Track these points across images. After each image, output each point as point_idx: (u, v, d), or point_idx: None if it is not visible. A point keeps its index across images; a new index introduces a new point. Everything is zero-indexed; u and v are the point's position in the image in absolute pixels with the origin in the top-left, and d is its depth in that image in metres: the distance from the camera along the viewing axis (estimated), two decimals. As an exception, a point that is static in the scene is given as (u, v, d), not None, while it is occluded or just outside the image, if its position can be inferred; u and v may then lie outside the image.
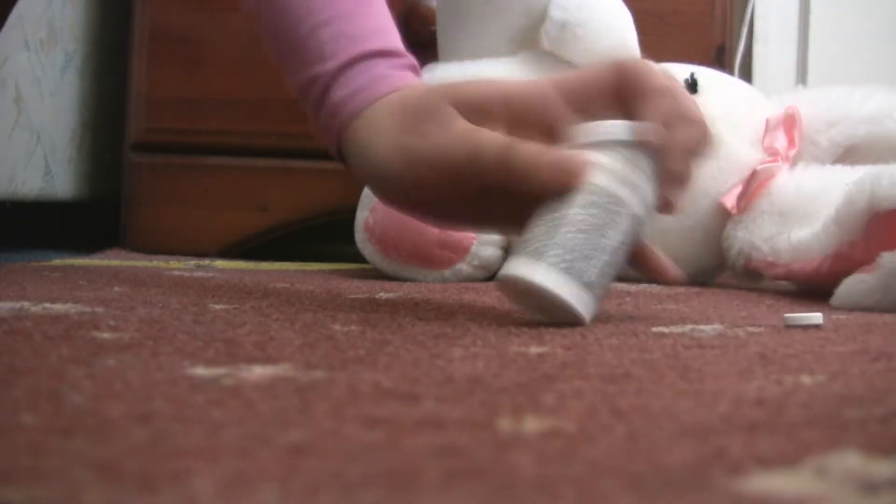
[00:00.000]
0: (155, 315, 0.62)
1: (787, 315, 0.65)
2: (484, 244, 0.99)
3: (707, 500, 0.27)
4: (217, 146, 1.32)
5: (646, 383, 0.44)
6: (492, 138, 0.61)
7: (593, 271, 0.60)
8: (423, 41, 1.25)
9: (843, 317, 0.72)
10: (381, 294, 0.82)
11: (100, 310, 0.63)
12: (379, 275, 1.01)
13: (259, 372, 0.44)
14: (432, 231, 0.97)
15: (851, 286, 0.79)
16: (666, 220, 1.02)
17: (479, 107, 0.63)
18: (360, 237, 1.01)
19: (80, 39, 1.40)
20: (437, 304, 0.75)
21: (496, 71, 1.11)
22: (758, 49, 1.61)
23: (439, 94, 0.64)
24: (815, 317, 0.65)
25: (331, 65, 0.66)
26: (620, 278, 1.04)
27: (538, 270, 0.59)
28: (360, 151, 0.65)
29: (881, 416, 0.38)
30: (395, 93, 0.65)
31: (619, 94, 0.63)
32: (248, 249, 1.32)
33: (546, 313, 0.61)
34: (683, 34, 1.28)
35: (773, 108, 1.05)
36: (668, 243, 1.03)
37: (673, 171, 0.62)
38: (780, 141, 1.00)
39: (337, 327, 0.59)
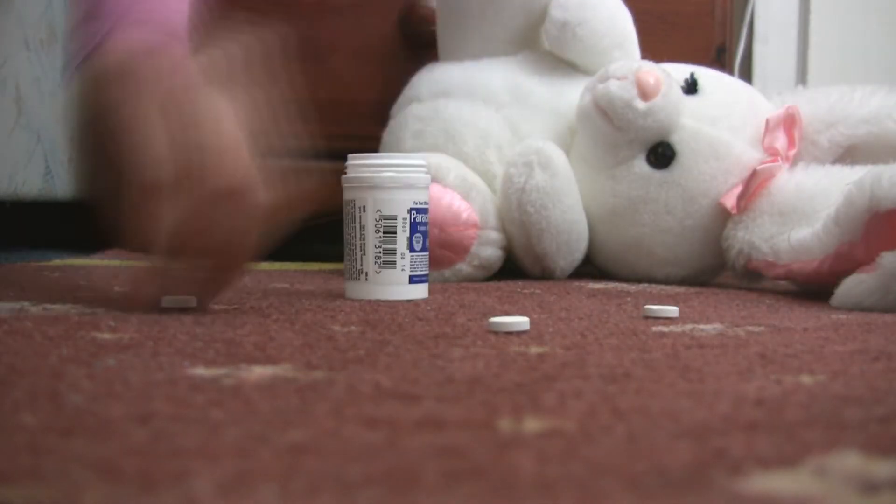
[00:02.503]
0: (155, 315, 0.62)
1: (646, 307, 0.70)
2: (484, 244, 0.99)
3: (707, 500, 0.27)
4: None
5: (646, 383, 0.44)
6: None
7: None
8: (423, 41, 1.25)
9: (843, 317, 0.72)
10: (381, 294, 0.82)
11: (100, 310, 0.63)
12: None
13: (259, 372, 0.44)
14: (432, 231, 0.97)
15: (851, 286, 0.79)
16: (666, 221, 1.03)
17: None
18: (360, 237, 1.01)
19: (80, 39, 1.40)
20: (437, 304, 0.75)
21: (496, 71, 1.11)
22: (758, 49, 1.61)
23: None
24: (671, 310, 0.69)
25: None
26: (622, 278, 1.05)
27: None
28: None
29: (881, 416, 0.38)
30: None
31: None
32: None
33: None
34: (683, 34, 1.28)
35: (773, 108, 1.05)
36: (669, 243, 1.03)
37: None
38: (780, 141, 1.00)
39: (337, 327, 0.59)
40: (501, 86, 1.10)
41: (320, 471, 0.29)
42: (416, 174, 0.76)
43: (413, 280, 0.74)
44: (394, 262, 0.74)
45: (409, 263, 0.74)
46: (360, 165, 0.76)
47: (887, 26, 1.64)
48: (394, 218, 0.73)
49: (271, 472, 0.28)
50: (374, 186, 0.74)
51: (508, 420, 0.36)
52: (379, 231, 0.74)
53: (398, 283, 0.74)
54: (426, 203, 0.76)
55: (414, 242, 0.73)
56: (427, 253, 0.76)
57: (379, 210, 0.74)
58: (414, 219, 0.73)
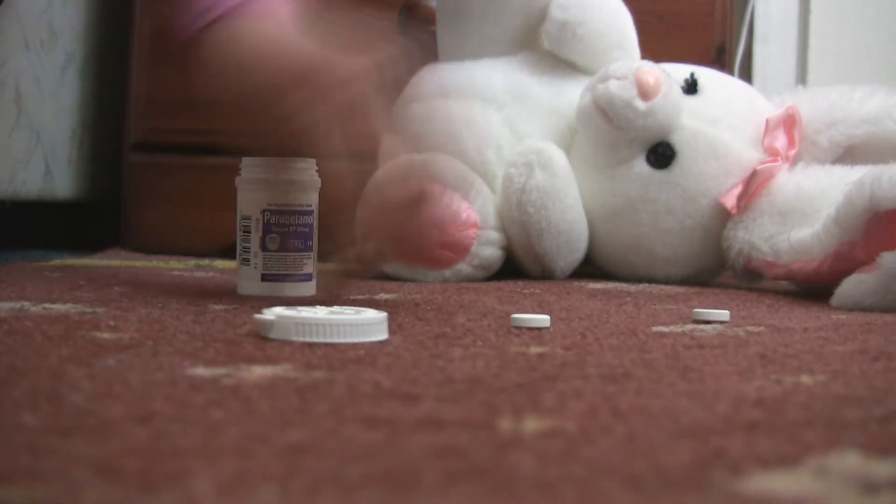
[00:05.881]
0: (155, 315, 0.62)
1: (695, 310, 0.69)
2: (484, 244, 0.99)
3: (707, 500, 0.27)
4: (217, 146, 1.32)
5: (646, 383, 0.44)
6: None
7: None
8: (423, 41, 1.25)
9: (843, 317, 0.72)
10: (381, 294, 0.82)
11: (100, 310, 0.63)
12: (379, 275, 1.01)
13: (259, 372, 0.44)
14: (432, 231, 0.97)
15: (851, 286, 0.79)
16: (666, 221, 1.03)
17: None
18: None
19: (80, 40, 1.40)
20: (437, 304, 0.75)
21: (496, 71, 1.11)
22: (758, 49, 1.61)
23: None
24: (722, 314, 0.68)
25: None
26: (622, 278, 1.05)
27: None
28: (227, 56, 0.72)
29: (881, 416, 0.38)
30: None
31: None
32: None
33: None
34: (683, 34, 1.28)
35: (773, 108, 1.05)
36: (669, 243, 1.03)
37: None
38: (780, 141, 1.00)
39: (337, 327, 0.59)
40: (501, 86, 1.10)
41: (320, 471, 0.29)
42: (272, 176, 0.76)
43: (266, 278, 0.75)
44: (248, 260, 0.76)
45: (261, 262, 0.76)
46: (243, 167, 0.79)
47: (887, 26, 1.64)
48: (248, 218, 0.76)
49: (271, 472, 0.28)
50: (237, 188, 0.77)
51: (508, 420, 0.36)
52: (239, 230, 0.77)
53: (251, 279, 0.76)
54: (288, 205, 0.76)
55: (268, 242, 0.75)
56: (296, 254, 0.76)
57: (240, 210, 0.77)
58: (267, 220, 0.75)
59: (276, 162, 0.77)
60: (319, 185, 0.79)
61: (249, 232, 0.76)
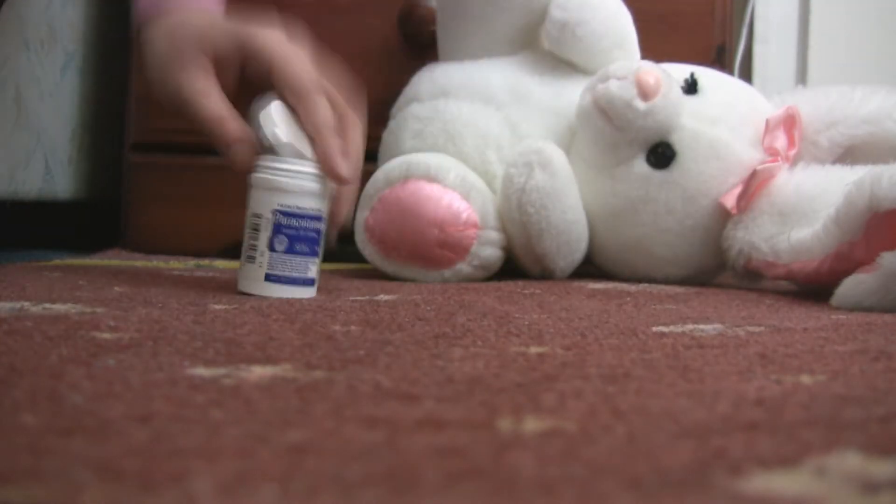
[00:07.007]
0: (155, 315, 0.62)
1: None
2: (484, 244, 0.99)
3: (707, 500, 0.27)
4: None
5: (646, 383, 0.44)
6: (208, 102, 0.80)
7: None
8: (423, 41, 1.25)
9: (843, 317, 0.72)
10: (381, 294, 0.82)
11: (100, 310, 0.63)
12: (379, 275, 1.01)
13: (259, 372, 0.44)
14: (432, 231, 0.97)
15: (851, 286, 0.79)
16: (666, 221, 1.03)
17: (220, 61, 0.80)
18: (360, 237, 1.01)
19: (80, 39, 1.40)
20: (437, 304, 0.75)
21: (496, 71, 1.11)
22: (758, 49, 1.61)
23: (194, 43, 0.79)
24: None
25: None
26: (622, 278, 1.05)
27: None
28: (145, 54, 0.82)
29: (881, 416, 0.38)
30: (178, 17, 0.80)
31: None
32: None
33: None
34: (683, 34, 1.28)
35: (773, 108, 1.05)
36: (669, 243, 1.03)
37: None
38: (780, 141, 1.00)
39: (337, 327, 0.59)
40: (501, 86, 1.10)
41: (320, 471, 0.29)
42: (288, 179, 0.76)
43: (270, 279, 0.75)
44: (253, 258, 0.76)
45: (266, 262, 0.75)
46: (259, 164, 0.79)
47: (887, 26, 1.64)
48: (259, 216, 0.76)
49: (271, 472, 0.28)
50: (251, 185, 0.78)
51: (508, 420, 0.36)
52: (248, 227, 0.77)
53: (254, 278, 0.76)
54: (300, 208, 0.76)
55: (276, 243, 0.75)
56: (302, 258, 0.76)
57: (251, 207, 0.77)
58: (278, 220, 0.75)
59: (292, 164, 0.77)
60: (333, 193, 0.79)
61: (259, 230, 0.76)
